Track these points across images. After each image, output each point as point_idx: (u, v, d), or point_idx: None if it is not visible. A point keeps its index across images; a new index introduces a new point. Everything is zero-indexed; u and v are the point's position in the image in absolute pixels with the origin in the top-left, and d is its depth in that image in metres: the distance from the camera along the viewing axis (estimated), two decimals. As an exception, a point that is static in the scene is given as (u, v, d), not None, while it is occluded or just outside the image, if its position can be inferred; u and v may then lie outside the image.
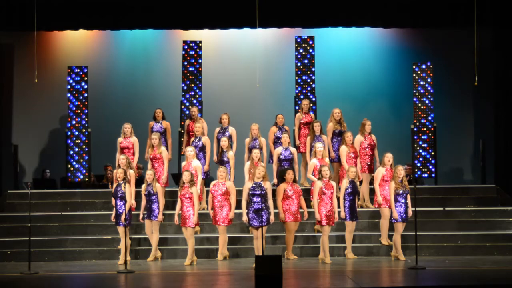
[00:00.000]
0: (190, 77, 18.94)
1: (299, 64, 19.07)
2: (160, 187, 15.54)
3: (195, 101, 18.76)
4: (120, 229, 15.12)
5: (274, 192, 15.35)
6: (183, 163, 16.20)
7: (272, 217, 14.98)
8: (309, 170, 16.08)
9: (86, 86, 18.59)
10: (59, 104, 19.86)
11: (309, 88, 18.99)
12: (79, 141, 18.41)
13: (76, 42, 20.69)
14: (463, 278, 13.28)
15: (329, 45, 20.58)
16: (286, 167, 16.18)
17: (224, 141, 16.59)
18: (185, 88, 18.91)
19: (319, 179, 15.24)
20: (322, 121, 17.24)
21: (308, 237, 16.26)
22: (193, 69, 18.96)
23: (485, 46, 19.30)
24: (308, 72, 19.04)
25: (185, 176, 15.07)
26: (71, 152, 18.38)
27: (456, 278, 13.32)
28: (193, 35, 19.91)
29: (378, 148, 16.92)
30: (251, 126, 16.98)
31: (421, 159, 18.62)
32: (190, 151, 16.09)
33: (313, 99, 18.88)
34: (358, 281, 12.88)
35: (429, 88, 18.79)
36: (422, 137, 18.67)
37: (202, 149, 16.75)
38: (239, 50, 20.74)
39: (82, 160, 18.38)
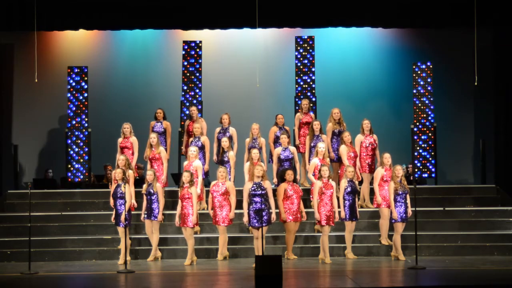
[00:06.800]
0: (190, 77, 18.94)
1: (299, 64, 19.08)
2: (160, 187, 15.53)
3: (195, 101, 18.77)
4: (120, 229, 15.11)
5: (274, 192, 15.35)
6: (185, 163, 16.21)
7: (273, 216, 14.98)
8: (310, 170, 16.08)
9: (86, 86, 18.61)
10: (59, 104, 19.86)
11: (309, 88, 19.00)
12: (79, 141, 18.43)
13: (76, 42, 20.69)
14: (463, 278, 13.29)
15: (329, 45, 20.58)
16: (286, 166, 16.18)
17: (225, 142, 16.59)
18: (185, 88, 18.92)
19: (318, 178, 15.24)
20: (321, 121, 17.25)
21: (308, 237, 16.26)
22: (193, 69, 18.97)
23: (485, 46, 19.30)
24: (308, 72, 19.05)
25: (185, 177, 15.07)
26: (71, 152, 18.39)
27: (456, 278, 13.32)
28: (193, 35, 19.90)
29: (378, 148, 16.91)
30: (251, 126, 16.99)
31: (421, 159, 18.63)
32: (193, 151, 16.09)
33: (313, 99, 18.89)
34: (358, 281, 12.88)
35: (429, 88, 18.80)
36: (422, 137, 18.67)
37: (201, 149, 16.76)
38: (239, 50, 20.74)
39: (82, 160, 18.39)
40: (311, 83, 19.03)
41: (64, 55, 20.58)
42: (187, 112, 18.25)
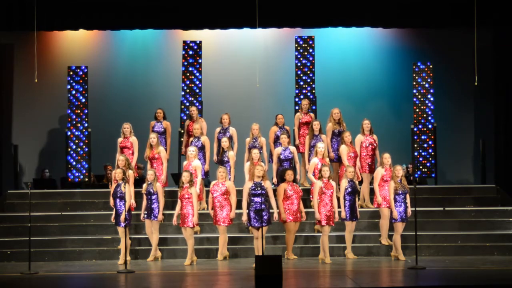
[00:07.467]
0: (190, 77, 18.95)
1: (299, 64, 19.08)
2: (160, 187, 15.53)
3: (195, 101, 18.78)
4: (120, 229, 15.11)
5: (274, 192, 15.33)
6: (184, 163, 16.21)
7: (275, 215, 14.97)
8: (310, 169, 16.08)
9: (86, 86, 18.62)
10: (59, 104, 19.86)
11: (309, 88, 19.00)
12: (79, 141, 18.43)
13: (76, 42, 20.70)
14: (463, 278, 13.28)
15: (329, 45, 20.59)
16: (286, 166, 16.18)
17: (224, 142, 16.59)
18: (185, 88, 18.92)
19: (319, 178, 15.24)
20: (321, 121, 17.24)
21: (308, 237, 16.26)
22: (193, 69, 18.97)
23: (485, 46, 19.30)
24: (308, 72, 19.05)
25: (184, 177, 15.07)
26: (71, 152, 18.39)
27: (456, 278, 13.32)
28: (193, 35, 19.91)
29: (378, 148, 16.90)
30: (251, 126, 17.00)
31: (421, 159, 18.62)
32: (192, 151, 16.09)
33: (313, 99, 18.89)
34: (358, 281, 12.88)
35: (429, 88, 18.80)
36: (422, 137, 18.67)
37: (202, 149, 16.77)
38: (239, 50, 20.75)
39: (82, 160, 18.39)
40: (311, 83, 19.04)
41: (64, 55, 20.59)
42: (187, 112, 18.25)
